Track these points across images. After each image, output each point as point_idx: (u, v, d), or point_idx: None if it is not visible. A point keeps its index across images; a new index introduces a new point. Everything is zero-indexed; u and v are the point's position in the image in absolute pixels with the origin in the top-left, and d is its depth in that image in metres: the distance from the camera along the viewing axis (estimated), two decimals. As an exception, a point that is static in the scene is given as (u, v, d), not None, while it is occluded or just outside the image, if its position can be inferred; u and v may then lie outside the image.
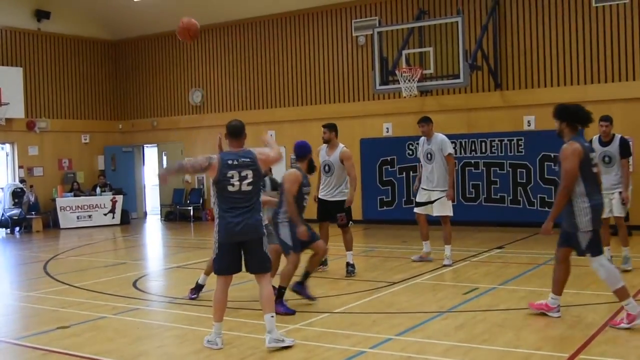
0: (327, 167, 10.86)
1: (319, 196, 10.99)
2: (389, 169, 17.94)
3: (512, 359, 6.12)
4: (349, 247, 10.79)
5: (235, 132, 6.85)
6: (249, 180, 6.65)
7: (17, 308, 9.43)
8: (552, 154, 15.68)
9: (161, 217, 22.89)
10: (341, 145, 10.88)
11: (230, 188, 6.63)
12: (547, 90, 16.41)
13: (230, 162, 6.65)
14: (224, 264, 6.76)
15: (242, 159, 6.68)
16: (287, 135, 20.09)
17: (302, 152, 8.87)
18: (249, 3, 20.33)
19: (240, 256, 6.79)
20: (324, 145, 10.97)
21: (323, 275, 10.61)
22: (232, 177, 6.62)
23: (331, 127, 10.99)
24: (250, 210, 6.66)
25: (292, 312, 7.94)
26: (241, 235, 6.63)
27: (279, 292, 8.10)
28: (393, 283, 9.85)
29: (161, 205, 23.15)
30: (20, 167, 21.16)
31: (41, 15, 21.58)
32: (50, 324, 7.99)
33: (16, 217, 19.73)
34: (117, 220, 21.33)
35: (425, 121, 11.65)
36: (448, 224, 11.47)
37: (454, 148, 16.92)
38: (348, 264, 10.71)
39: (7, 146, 21.24)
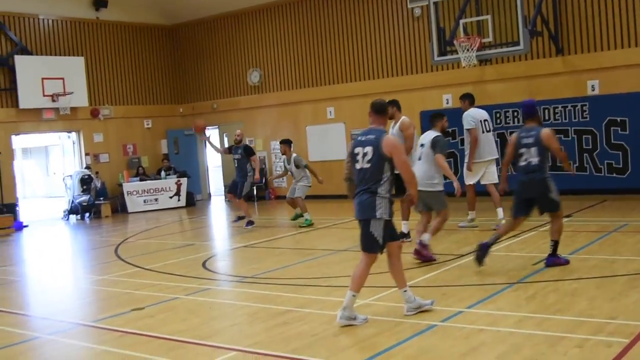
0: None
1: None
2: (451, 141, 17.75)
3: (586, 328, 6.02)
4: (404, 218, 11.33)
5: (379, 109, 7.13)
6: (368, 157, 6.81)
7: (92, 292, 9.68)
8: (619, 119, 15.30)
9: (225, 198, 23.15)
10: (403, 117, 11.21)
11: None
12: (611, 53, 15.98)
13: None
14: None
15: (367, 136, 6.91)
16: (346, 110, 20.08)
17: (533, 110, 9.04)
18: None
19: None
20: (392, 122, 11.25)
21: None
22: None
23: (393, 103, 11.13)
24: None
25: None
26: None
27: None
28: (460, 256, 9.78)
29: (225, 186, 23.40)
30: (86, 154, 21.64)
31: (99, 4, 21.96)
32: (124, 306, 8.18)
33: (85, 204, 20.18)
34: (183, 202, 21.66)
35: (461, 98, 12.53)
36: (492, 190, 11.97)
37: (517, 116, 16.69)
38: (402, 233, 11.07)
39: (73, 134, 21.74)
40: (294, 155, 15.18)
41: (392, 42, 19.22)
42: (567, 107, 16.27)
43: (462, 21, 16.13)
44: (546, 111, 16.50)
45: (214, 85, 23.51)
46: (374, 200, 6.69)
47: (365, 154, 6.78)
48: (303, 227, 14.56)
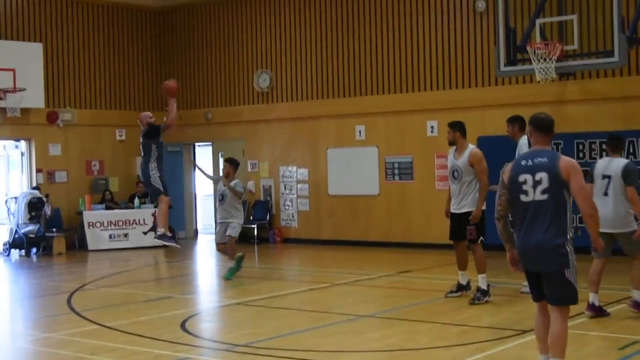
0: (455, 173, 11.93)
1: (450, 210, 12.09)
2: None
3: None
4: (480, 269, 11.74)
5: (544, 126, 7.20)
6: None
7: (33, 354, 9.63)
8: None
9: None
10: (471, 146, 12.01)
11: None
12: None
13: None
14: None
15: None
16: (380, 131, 20.07)
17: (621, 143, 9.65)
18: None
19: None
20: (452, 149, 12.04)
21: (431, 310, 10.56)
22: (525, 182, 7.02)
23: (455, 126, 11.95)
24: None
25: None
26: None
27: None
28: (523, 331, 9.69)
29: (216, 221, 23.38)
30: (38, 170, 21.67)
31: (67, -25, 22.14)
32: (75, 376, 8.14)
33: (33, 235, 20.16)
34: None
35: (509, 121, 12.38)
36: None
37: (604, 148, 16.59)
38: (479, 289, 11.67)
39: (23, 144, 21.81)
40: (236, 180, 15.51)
41: (444, 45, 19.23)
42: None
43: (539, 21, 16.10)
44: (645, 145, 16.44)
45: (210, 88, 23.62)
46: (563, 243, 6.85)
47: (537, 183, 6.90)
48: (229, 279, 14.88)
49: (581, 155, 16.82)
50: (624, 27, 15.18)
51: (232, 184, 15.19)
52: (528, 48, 15.72)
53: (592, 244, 7.08)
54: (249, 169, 22.46)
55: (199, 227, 24.83)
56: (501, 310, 11.18)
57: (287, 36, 21.89)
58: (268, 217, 21.98)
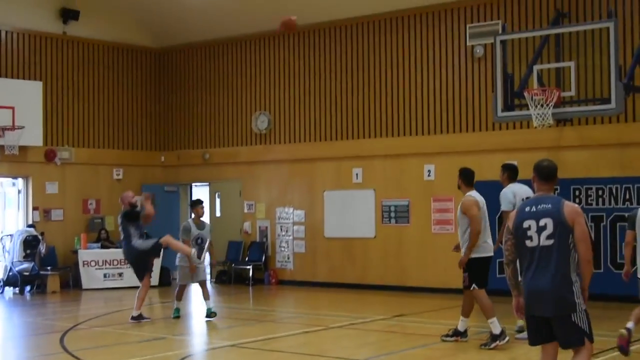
0: (458, 220, 12.27)
1: None
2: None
3: None
4: (485, 315, 11.75)
5: (547, 174, 7.36)
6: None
7: (25, 394, 9.56)
8: None
9: (211, 278, 23.03)
10: (468, 193, 12.18)
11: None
12: None
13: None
14: None
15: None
16: (378, 174, 20.07)
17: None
18: (330, 3, 20.50)
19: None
20: None
21: (425, 356, 10.51)
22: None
23: (460, 173, 12.41)
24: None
25: None
26: None
27: None
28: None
29: (211, 265, 23.32)
30: (34, 208, 21.66)
31: (68, 15, 22.21)
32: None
33: (27, 273, 20.11)
34: (155, 280, 21.49)
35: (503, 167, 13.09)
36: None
37: (602, 195, 16.63)
38: (490, 334, 11.63)
39: (20, 181, 21.82)
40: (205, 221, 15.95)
41: (442, 89, 19.29)
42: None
43: (536, 67, 16.18)
44: (641, 192, 16.43)
45: (208, 129, 23.64)
46: (570, 287, 6.89)
47: (542, 228, 6.98)
48: (176, 317, 15.36)
49: (577, 201, 16.80)
50: (621, 75, 15.26)
51: (206, 223, 15.88)
52: (525, 94, 15.78)
53: (582, 291, 6.98)
54: (246, 210, 22.45)
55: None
56: (494, 356, 11.09)
57: (286, 78, 21.97)
58: (264, 258, 21.91)
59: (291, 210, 21.63)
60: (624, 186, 16.65)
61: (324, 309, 15.59)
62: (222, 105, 23.31)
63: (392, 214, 19.77)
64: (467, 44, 18.96)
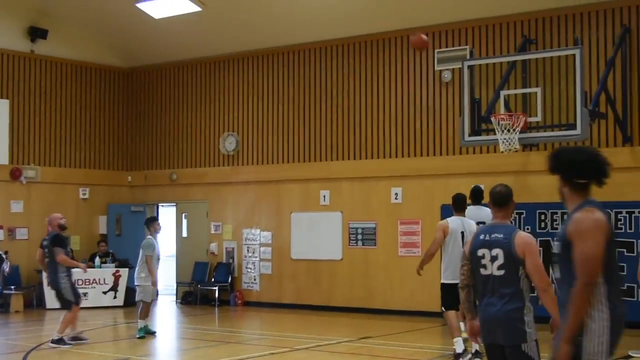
0: None
1: None
2: (480, 246, 17.70)
3: None
4: (451, 333, 12.17)
5: (501, 201, 7.26)
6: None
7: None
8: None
9: (177, 298, 22.91)
10: (449, 217, 12.75)
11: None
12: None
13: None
14: None
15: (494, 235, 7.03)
16: (345, 197, 20.08)
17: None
18: (299, 26, 20.54)
19: None
20: None
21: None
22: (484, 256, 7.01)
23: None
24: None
25: None
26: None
27: None
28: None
29: (177, 283, 23.20)
30: (-1, 227, 21.50)
31: (36, 34, 22.09)
32: None
33: (-10, 293, 19.94)
34: (120, 300, 21.39)
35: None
36: None
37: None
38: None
39: (-16, 200, 21.63)
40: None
41: (409, 113, 19.35)
42: (633, 212, 16.32)
43: (503, 93, 16.30)
44: (606, 217, 16.49)
45: (176, 150, 23.57)
46: (521, 317, 6.79)
47: (494, 258, 6.90)
48: (141, 337, 15.44)
49: (543, 225, 16.90)
50: (587, 101, 15.39)
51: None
52: (492, 119, 15.87)
53: (550, 324, 6.52)
54: (212, 231, 22.37)
55: (159, 287, 24.55)
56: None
57: (255, 100, 21.97)
58: (230, 279, 21.83)
59: (258, 231, 21.58)
60: (588, 211, 16.72)
61: (290, 330, 15.52)
62: (190, 126, 23.26)
63: (359, 236, 19.77)
64: (436, 68, 19.06)
